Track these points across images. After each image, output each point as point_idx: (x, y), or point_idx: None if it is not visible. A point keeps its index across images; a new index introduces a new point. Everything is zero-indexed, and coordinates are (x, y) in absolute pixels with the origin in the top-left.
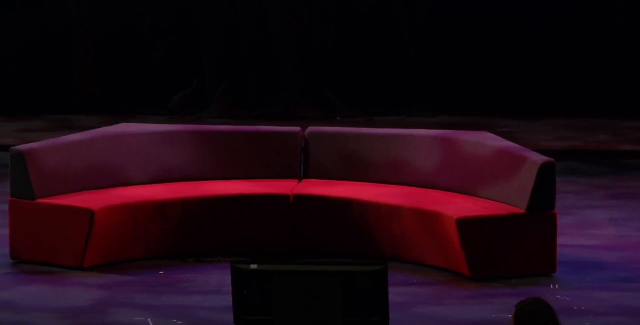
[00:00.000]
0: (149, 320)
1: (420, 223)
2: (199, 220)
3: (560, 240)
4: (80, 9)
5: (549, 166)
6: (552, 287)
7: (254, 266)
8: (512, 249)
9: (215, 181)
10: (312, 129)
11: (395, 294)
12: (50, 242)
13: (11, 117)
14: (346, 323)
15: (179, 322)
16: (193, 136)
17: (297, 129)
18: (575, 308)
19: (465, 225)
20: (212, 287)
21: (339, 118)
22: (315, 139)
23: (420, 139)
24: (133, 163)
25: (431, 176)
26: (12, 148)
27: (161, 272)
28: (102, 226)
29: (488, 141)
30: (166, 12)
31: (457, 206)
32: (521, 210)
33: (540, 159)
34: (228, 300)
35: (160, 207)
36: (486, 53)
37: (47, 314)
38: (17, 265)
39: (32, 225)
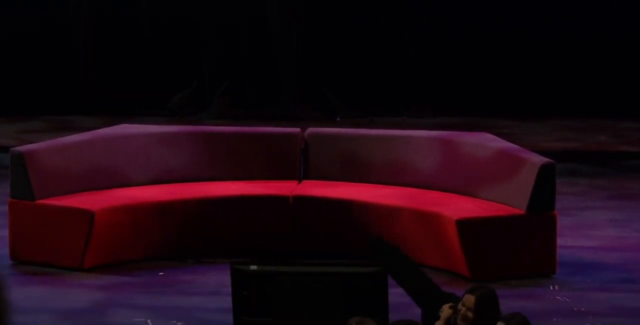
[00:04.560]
0: (148, 321)
1: (420, 224)
2: (199, 221)
3: (559, 241)
4: (80, 9)
5: (549, 167)
6: (551, 288)
7: (253, 267)
8: (512, 250)
9: (215, 182)
10: (311, 129)
11: (395, 294)
12: (50, 243)
13: (11, 118)
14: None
15: (178, 323)
16: (193, 137)
17: (296, 129)
18: (575, 309)
19: (465, 226)
20: (212, 288)
21: (338, 119)
22: (315, 139)
23: (420, 139)
24: (133, 164)
25: (431, 177)
26: (12, 149)
27: (161, 273)
28: (102, 227)
29: (488, 142)
30: (166, 12)
31: (457, 207)
32: (521, 211)
33: (539, 160)
34: (227, 301)
35: (160, 208)
36: (486, 53)
37: (46, 315)
38: (17, 266)
39: (32, 226)
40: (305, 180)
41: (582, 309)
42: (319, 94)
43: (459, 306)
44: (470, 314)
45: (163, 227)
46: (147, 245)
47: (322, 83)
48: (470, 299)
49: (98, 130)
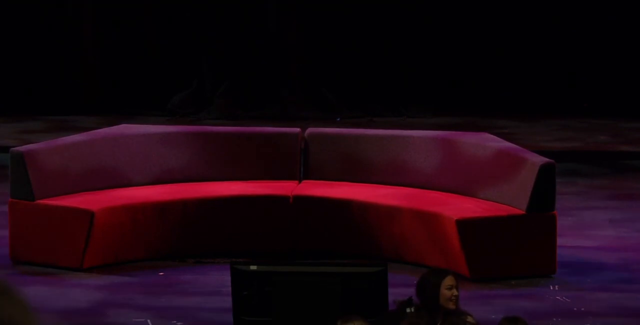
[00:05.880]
0: (148, 321)
1: (420, 224)
2: (199, 221)
3: (559, 241)
4: (80, 10)
5: (549, 167)
6: (551, 288)
7: (253, 267)
8: (512, 250)
9: (215, 182)
10: (311, 130)
11: (395, 294)
12: (50, 243)
13: (11, 118)
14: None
15: (178, 323)
16: (193, 137)
17: (296, 130)
18: (575, 309)
19: (465, 226)
20: (212, 288)
21: (338, 119)
22: (315, 140)
23: (420, 139)
24: (133, 164)
25: (431, 177)
26: (12, 149)
27: (161, 273)
28: (102, 227)
29: (488, 142)
30: (166, 13)
31: (457, 207)
32: (521, 211)
33: (539, 160)
34: (227, 301)
35: (160, 208)
36: (486, 53)
37: (46, 315)
38: (16, 266)
39: (32, 226)
40: (305, 180)
41: (582, 309)
42: (319, 94)
43: (445, 292)
44: (457, 292)
45: (163, 227)
46: (147, 245)
47: (321, 84)
48: (453, 279)
49: (98, 130)
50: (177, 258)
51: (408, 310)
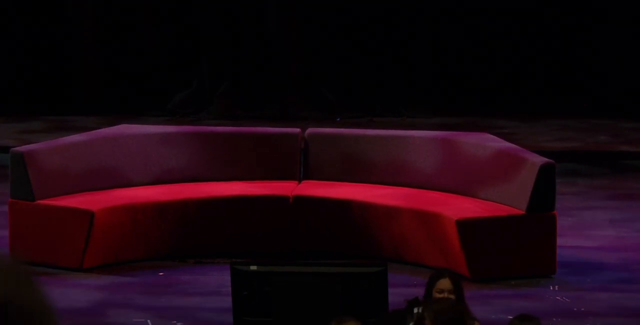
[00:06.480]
0: (148, 321)
1: (420, 224)
2: (199, 221)
3: (559, 241)
4: (80, 10)
5: (549, 167)
6: (551, 288)
7: (253, 267)
8: (512, 250)
9: (215, 182)
10: (311, 130)
11: (395, 294)
12: (50, 243)
13: (11, 118)
14: None
15: (178, 323)
16: (193, 137)
17: (296, 130)
18: (575, 309)
19: (465, 226)
20: (212, 288)
21: (338, 119)
22: (314, 140)
23: (420, 140)
24: (133, 164)
25: (431, 177)
26: (12, 149)
27: (161, 273)
28: (102, 227)
29: (487, 142)
30: (166, 12)
31: (457, 207)
32: (521, 211)
33: (539, 160)
34: (227, 301)
35: (160, 208)
36: (486, 53)
37: None
38: None
39: (32, 226)
40: (305, 181)
41: (582, 309)
42: (319, 94)
43: (436, 295)
44: (452, 297)
45: (163, 227)
46: (147, 245)
47: (321, 83)
48: (446, 283)
49: (98, 130)
50: (177, 258)
51: (415, 310)
